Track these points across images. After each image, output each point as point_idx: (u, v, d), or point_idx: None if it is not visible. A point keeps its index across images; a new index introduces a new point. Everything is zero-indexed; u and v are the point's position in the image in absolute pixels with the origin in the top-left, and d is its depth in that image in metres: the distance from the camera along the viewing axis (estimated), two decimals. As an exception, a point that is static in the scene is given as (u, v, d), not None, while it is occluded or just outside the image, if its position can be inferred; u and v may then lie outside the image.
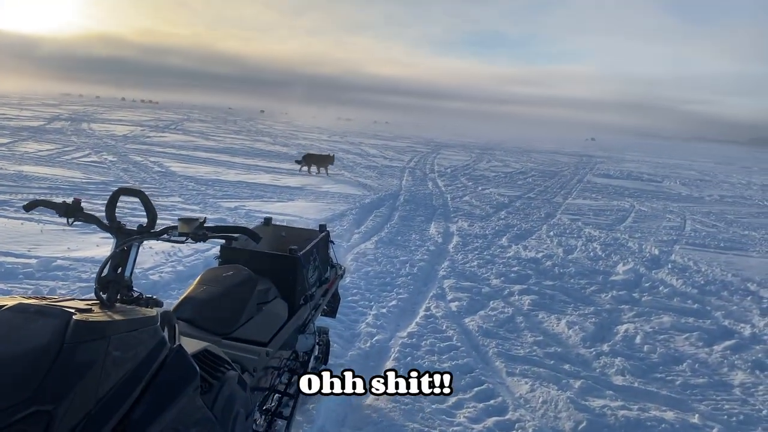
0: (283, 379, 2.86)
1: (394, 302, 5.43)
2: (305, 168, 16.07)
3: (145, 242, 1.91)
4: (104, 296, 1.62)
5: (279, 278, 2.78)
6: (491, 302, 5.65)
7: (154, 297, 1.79)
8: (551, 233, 9.59)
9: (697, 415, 3.70)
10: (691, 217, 12.80)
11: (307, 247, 3.09)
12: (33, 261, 5.50)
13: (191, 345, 1.81)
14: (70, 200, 1.93)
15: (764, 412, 3.86)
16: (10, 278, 5.07)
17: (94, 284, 1.66)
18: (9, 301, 1.38)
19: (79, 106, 50.77)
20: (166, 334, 1.61)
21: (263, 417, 2.61)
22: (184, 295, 2.40)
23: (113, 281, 1.69)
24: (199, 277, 2.54)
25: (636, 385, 4.11)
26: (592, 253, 8.19)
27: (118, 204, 1.91)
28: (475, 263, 7.12)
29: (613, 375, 4.26)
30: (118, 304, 1.62)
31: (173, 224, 1.85)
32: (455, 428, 3.35)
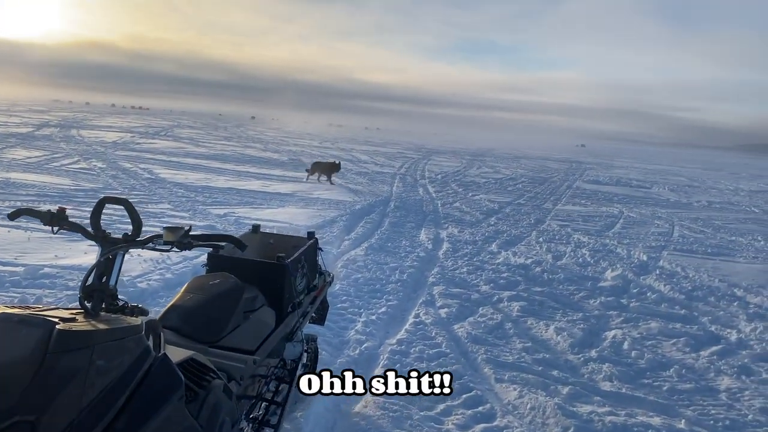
0: (271, 388, 2.85)
1: (383, 309, 5.43)
2: (313, 176, 15.85)
3: (132, 250, 1.91)
4: (89, 305, 1.61)
5: (266, 286, 2.78)
6: (480, 308, 5.67)
7: (140, 306, 1.79)
8: (541, 239, 9.63)
9: (683, 421, 3.73)
10: (679, 223, 12.90)
11: (295, 255, 3.08)
12: (20, 269, 5.46)
13: (177, 353, 1.80)
14: (55, 209, 1.93)
15: (750, 417, 3.89)
16: (-3, 286, 5.03)
17: (78, 293, 1.66)
18: (-8, 311, 1.38)
19: (68, 112, 50.50)
20: (151, 342, 1.60)
21: (250, 425, 2.60)
22: (171, 303, 2.39)
23: (98, 290, 1.69)
24: (185, 285, 2.53)
25: (623, 390, 4.14)
26: (581, 259, 8.24)
27: (105, 212, 1.91)
28: (465, 269, 7.14)
29: (600, 381, 4.28)
30: (102, 313, 1.62)
31: (158, 233, 1.85)
32: (443, 435, 3.35)
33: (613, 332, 5.27)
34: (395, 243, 8.47)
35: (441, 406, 3.66)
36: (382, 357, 4.36)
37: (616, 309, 6.02)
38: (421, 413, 3.55)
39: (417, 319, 5.21)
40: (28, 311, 1.41)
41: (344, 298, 5.62)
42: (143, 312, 1.76)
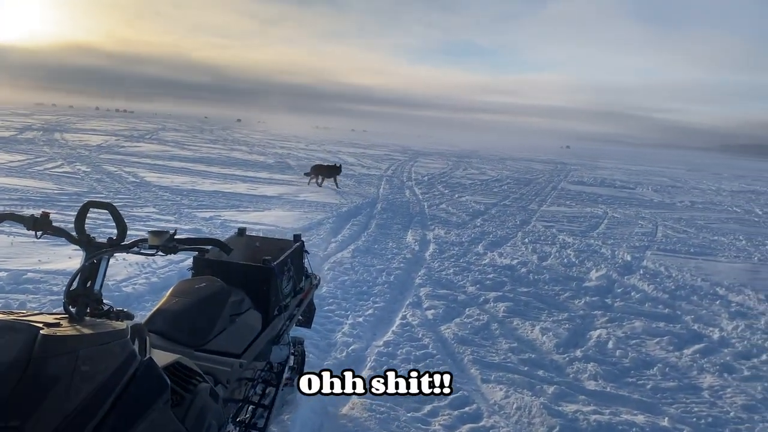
0: (258, 391, 2.85)
1: (370, 311, 5.44)
2: (314, 180, 15.62)
3: (117, 254, 1.90)
4: (73, 310, 1.61)
5: (253, 289, 2.78)
6: (467, 309, 5.70)
7: (125, 310, 1.78)
8: (526, 240, 9.69)
9: (666, 418, 3.78)
10: (663, 223, 13.05)
11: (282, 258, 3.09)
12: (3, 274, 5.39)
13: (162, 357, 1.80)
14: (38, 213, 1.92)
15: (732, 414, 3.95)
16: (-21, 292, 4.97)
17: (62, 298, 1.65)
18: (-25, 317, 1.37)
19: (51, 115, 49.97)
20: (136, 347, 1.60)
21: (237, 429, 2.59)
22: (156, 307, 2.38)
23: (83, 295, 1.68)
24: (171, 289, 2.52)
25: (608, 389, 4.18)
26: (566, 260, 8.30)
27: (90, 216, 1.90)
28: (451, 271, 7.17)
29: (585, 380, 4.32)
30: (87, 318, 1.61)
31: (143, 237, 1.85)
32: (430, 436, 3.37)
33: (597, 332, 5.32)
34: (382, 245, 8.49)
35: (428, 407, 3.67)
36: (369, 359, 4.37)
37: (600, 309, 6.07)
38: (408, 414, 3.56)
39: (404, 321, 5.23)
40: (12, 316, 1.40)
41: (331, 300, 5.62)
42: (128, 316, 1.75)
